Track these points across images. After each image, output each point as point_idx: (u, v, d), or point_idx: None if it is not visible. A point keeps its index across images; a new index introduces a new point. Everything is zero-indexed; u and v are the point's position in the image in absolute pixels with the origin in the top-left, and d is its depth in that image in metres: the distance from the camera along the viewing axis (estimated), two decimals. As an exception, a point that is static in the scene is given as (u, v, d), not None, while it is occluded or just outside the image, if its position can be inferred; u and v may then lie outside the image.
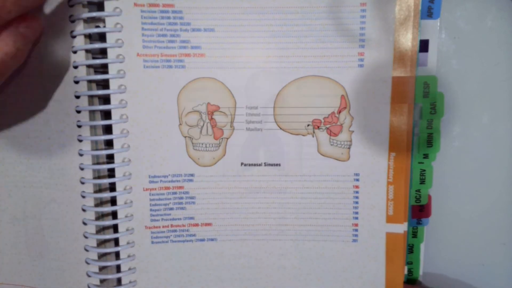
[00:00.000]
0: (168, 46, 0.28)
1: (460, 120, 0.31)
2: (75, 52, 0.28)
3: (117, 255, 0.31)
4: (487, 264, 0.32)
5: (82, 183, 0.29)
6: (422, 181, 0.31)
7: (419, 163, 0.31)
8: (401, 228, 0.30)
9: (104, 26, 0.28)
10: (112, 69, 0.28)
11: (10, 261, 0.30)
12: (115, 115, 0.29)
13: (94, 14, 0.28)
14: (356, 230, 0.31)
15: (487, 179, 0.31)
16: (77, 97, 0.29)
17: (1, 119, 0.29)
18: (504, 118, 0.31)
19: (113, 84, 0.28)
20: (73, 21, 0.28)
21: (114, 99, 0.29)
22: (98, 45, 0.28)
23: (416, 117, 0.30)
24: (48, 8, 0.28)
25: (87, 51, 0.28)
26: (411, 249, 0.31)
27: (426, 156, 0.31)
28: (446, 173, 0.31)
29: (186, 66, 0.29)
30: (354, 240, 0.31)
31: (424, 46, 0.29)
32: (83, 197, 0.30)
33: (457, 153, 0.31)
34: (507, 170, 0.31)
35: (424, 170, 0.31)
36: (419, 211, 0.31)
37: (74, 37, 0.28)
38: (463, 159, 0.31)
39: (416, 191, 0.31)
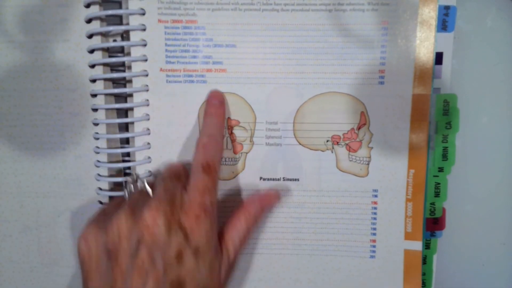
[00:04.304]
0: (190, 62, 0.29)
1: (459, 119, 0.30)
2: (92, 66, 0.29)
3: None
4: (487, 264, 0.32)
5: (98, 194, 0.30)
6: (437, 194, 0.31)
7: (434, 176, 0.30)
8: (419, 245, 0.30)
9: (122, 40, 0.29)
10: (136, 83, 0.29)
11: (21, 269, 0.31)
12: (137, 127, 0.29)
13: (123, 27, 0.28)
14: (374, 246, 0.31)
15: (486, 179, 0.31)
16: (94, 110, 0.29)
17: (15, 131, 0.30)
18: (503, 118, 0.31)
19: (137, 98, 0.29)
20: (90, 36, 0.28)
21: (137, 112, 0.29)
22: (121, 59, 0.29)
23: (431, 131, 0.30)
24: (64, 23, 0.28)
25: (105, 64, 0.29)
26: (424, 260, 0.31)
27: (441, 169, 0.30)
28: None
29: (208, 81, 0.29)
30: (372, 256, 0.31)
31: (438, 58, 0.29)
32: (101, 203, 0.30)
33: (457, 153, 0.31)
34: (506, 170, 0.31)
35: (439, 184, 0.31)
36: (433, 224, 0.31)
37: (92, 52, 0.29)
38: (462, 158, 0.31)
39: (430, 204, 0.31)
